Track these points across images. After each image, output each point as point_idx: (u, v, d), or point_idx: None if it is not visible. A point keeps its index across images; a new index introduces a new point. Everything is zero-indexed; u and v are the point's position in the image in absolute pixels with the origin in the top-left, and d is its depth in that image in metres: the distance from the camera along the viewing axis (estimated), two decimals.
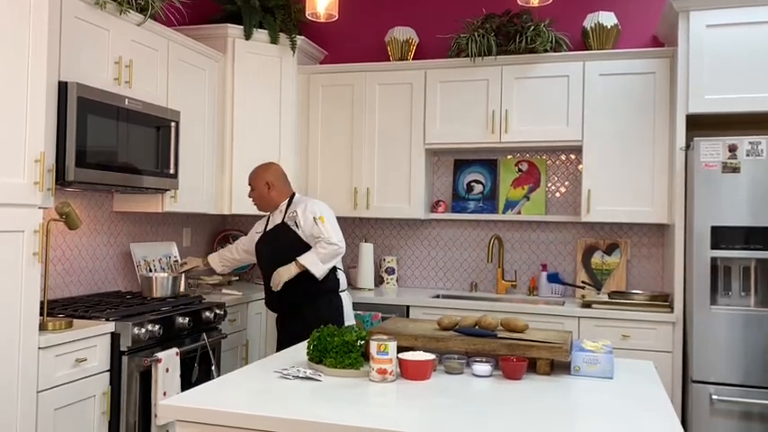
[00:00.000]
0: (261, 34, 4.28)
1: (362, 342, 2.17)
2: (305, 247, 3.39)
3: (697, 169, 3.32)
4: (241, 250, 3.79)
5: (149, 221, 4.08)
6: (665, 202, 3.77)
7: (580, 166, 4.19)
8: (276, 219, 3.54)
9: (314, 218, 3.39)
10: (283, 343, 3.41)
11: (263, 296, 4.10)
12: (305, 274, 3.34)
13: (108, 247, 3.73)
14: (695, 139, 3.34)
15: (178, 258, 4.17)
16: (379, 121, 4.33)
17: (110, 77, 3.20)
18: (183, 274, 3.84)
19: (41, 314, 2.60)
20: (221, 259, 3.87)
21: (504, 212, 4.35)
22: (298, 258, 3.34)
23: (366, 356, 2.12)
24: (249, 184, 3.59)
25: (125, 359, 2.89)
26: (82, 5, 3.03)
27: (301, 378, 2.03)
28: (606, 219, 3.89)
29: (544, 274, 4.23)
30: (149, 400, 2.98)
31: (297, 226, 3.42)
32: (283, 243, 3.43)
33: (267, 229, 3.57)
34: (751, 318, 3.23)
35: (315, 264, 3.33)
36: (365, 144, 4.34)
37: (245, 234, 3.91)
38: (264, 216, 3.68)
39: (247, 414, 1.70)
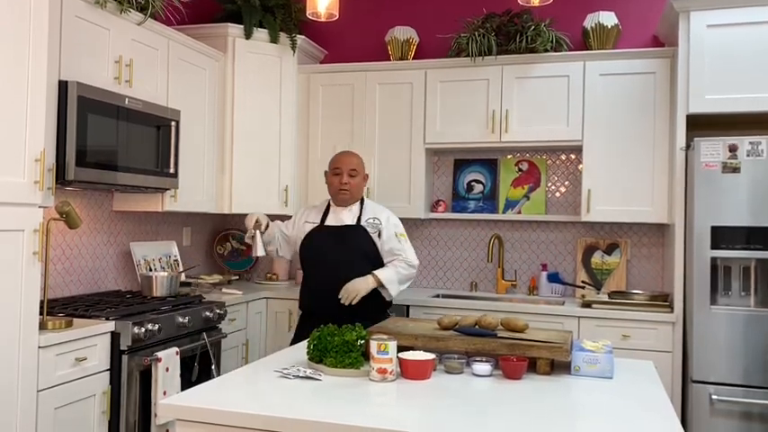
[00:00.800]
0: (261, 34, 4.28)
1: (362, 341, 2.17)
2: (377, 260, 3.18)
3: (697, 169, 3.32)
4: (281, 239, 3.44)
5: (149, 221, 4.08)
6: (665, 201, 3.77)
7: (580, 166, 4.19)
8: (345, 217, 3.27)
9: (395, 233, 3.21)
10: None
11: (268, 294, 3.96)
12: (374, 290, 3.13)
13: (108, 246, 3.72)
14: (695, 139, 3.34)
15: (178, 258, 4.16)
16: (379, 120, 4.32)
17: (110, 77, 3.20)
18: (258, 233, 3.27)
19: (41, 313, 2.60)
20: (273, 236, 3.38)
21: (504, 212, 4.35)
22: (376, 272, 3.12)
23: (366, 356, 2.12)
24: (348, 170, 3.22)
25: (125, 358, 2.89)
26: (82, 5, 3.03)
27: (301, 377, 2.03)
28: (606, 218, 3.89)
29: (544, 273, 4.23)
30: (149, 400, 2.98)
31: (379, 235, 3.18)
32: (356, 247, 3.18)
33: (326, 223, 3.26)
34: (751, 318, 3.23)
35: (393, 283, 3.12)
36: (365, 144, 4.34)
37: (245, 233, 3.45)
38: (315, 206, 3.43)
39: (247, 413, 1.70)
